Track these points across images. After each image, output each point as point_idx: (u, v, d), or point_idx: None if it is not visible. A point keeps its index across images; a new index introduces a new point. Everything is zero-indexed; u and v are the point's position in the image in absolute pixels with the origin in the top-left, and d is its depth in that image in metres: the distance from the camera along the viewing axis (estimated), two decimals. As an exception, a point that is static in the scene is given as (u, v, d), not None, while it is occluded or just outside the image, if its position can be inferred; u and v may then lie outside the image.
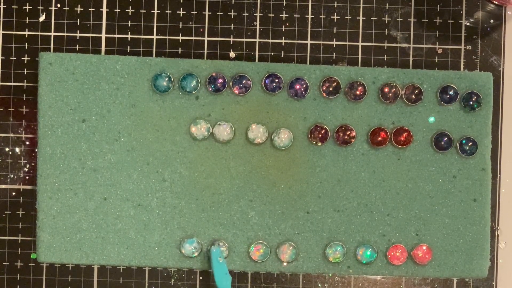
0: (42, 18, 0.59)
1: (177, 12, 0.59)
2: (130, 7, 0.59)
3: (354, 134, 0.57)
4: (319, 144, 0.57)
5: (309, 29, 0.59)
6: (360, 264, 0.57)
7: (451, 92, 0.57)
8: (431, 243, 0.57)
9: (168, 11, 0.59)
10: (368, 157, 0.57)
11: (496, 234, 0.60)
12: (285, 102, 0.57)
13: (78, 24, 0.59)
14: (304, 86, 0.57)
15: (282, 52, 0.59)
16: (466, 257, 0.57)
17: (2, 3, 0.59)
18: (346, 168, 0.57)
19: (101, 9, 0.59)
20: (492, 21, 0.59)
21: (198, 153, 0.57)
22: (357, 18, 0.59)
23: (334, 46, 0.59)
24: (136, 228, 0.57)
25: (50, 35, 0.59)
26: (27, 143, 0.59)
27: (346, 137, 0.57)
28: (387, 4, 0.59)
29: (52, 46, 0.59)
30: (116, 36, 0.59)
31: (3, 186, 0.59)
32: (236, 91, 0.57)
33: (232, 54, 0.59)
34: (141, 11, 0.59)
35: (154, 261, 0.57)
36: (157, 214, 0.57)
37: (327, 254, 0.57)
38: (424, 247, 0.57)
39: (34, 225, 0.59)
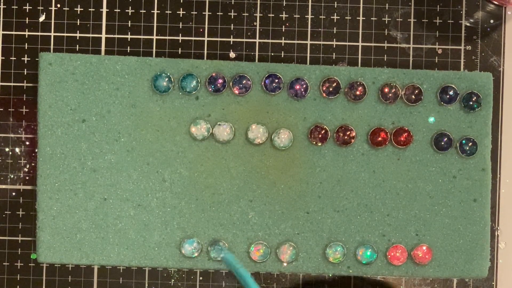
0: (42, 18, 0.59)
1: (177, 12, 0.59)
2: (130, 7, 0.59)
3: (354, 134, 0.57)
4: (319, 144, 0.57)
5: (309, 29, 0.59)
6: (360, 264, 0.57)
7: (451, 92, 0.57)
8: (431, 243, 0.57)
9: (168, 12, 0.59)
10: (368, 157, 0.57)
11: (496, 234, 0.60)
12: (285, 102, 0.57)
13: (78, 24, 0.59)
14: (304, 86, 0.57)
15: (282, 52, 0.59)
16: (466, 257, 0.57)
17: (2, 3, 0.59)
18: (346, 168, 0.57)
19: (101, 9, 0.59)
20: (492, 21, 0.59)
21: (198, 153, 0.57)
22: (357, 18, 0.59)
23: (334, 46, 0.59)
24: (136, 228, 0.57)
25: (50, 35, 0.59)
26: (27, 143, 0.59)
27: (346, 137, 0.57)
28: (387, 4, 0.59)
29: (52, 46, 0.59)
30: (116, 36, 0.59)
31: (3, 186, 0.59)
32: (236, 91, 0.57)
33: (232, 55, 0.59)
34: (141, 11, 0.59)
35: (154, 261, 0.57)
36: (157, 214, 0.57)
37: (327, 254, 0.57)
38: (424, 247, 0.57)
39: (34, 225, 0.59)
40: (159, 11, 0.59)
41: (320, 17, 0.59)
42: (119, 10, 0.59)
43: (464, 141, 0.57)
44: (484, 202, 0.57)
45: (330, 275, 0.59)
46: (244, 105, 0.57)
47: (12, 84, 0.59)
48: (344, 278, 0.59)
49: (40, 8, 0.59)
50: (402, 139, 0.57)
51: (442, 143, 0.57)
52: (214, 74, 0.57)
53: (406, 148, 0.57)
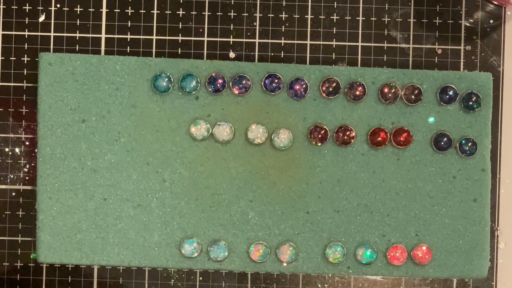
0: (41, 18, 0.59)
1: (177, 12, 0.59)
2: (129, 7, 0.59)
3: (353, 134, 0.57)
4: (319, 144, 0.57)
5: (308, 29, 0.59)
6: (360, 265, 0.58)
7: (450, 93, 0.57)
8: (431, 244, 0.57)
9: (168, 12, 0.59)
10: (368, 157, 0.57)
11: (496, 234, 0.60)
12: (285, 102, 0.57)
13: (78, 24, 0.59)
14: (304, 86, 0.57)
15: (282, 52, 0.59)
16: (466, 257, 0.57)
17: (2, 3, 0.59)
18: (345, 168, 0.57)
19: (100, 10, 0.59)
20: (491, 21, 0.59)
21: (198, 154, 0.57)
22: (357, 18, 0.59)
23: (334, 46, 0.59)
24: (136, 229, 0.57)
25: (50, 36, 0.59)
26: (27, 143, 0.59)
27: (345, 137, 0.57)
28: (386, 4, 0.59)
29: (52, 47, 0.59)
30: (116, 36, 0.59)
31: (3, 187, 0.59)
32: (236, 92, 0.57)
33: (231, 55, 0.59)
34: (140, 11, 0.59)
35: (154, 262, 0.57)
36: (157, 214, 0.57)
37: (327, 255, 0.57)
38: (424, 248, 0.57)
39: (34, 225, 0.59)
40: (158, 11, 0.59)
41: (320, 17, 0.59)
42: (119, 10, 0.59)
43: (463, 141, 0.57)
44: (484, 202, 0.57)
45: (330, 275, 0.59)
46: (244, 105, 0.57)
47: (12, 84, 0.59)
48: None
49: (40, 8, 0.59)
50: (401, 139, 0.57)
51: (442, 143, 0.57)
52: (214, 74, 0.57)
53: (406, 148, 0.57)
